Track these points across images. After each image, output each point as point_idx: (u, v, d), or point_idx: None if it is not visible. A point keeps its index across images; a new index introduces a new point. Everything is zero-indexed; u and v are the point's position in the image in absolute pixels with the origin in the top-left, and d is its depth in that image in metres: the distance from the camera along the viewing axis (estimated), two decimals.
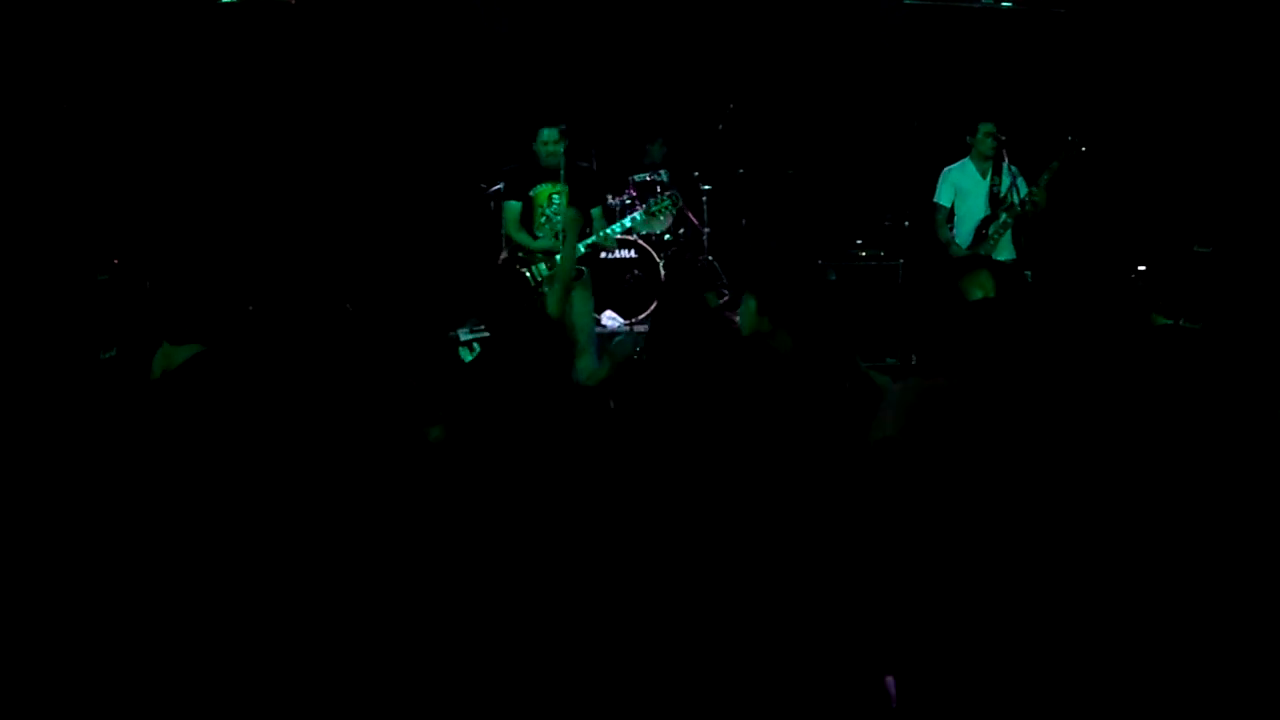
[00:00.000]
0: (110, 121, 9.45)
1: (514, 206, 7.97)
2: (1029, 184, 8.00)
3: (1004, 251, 8.08)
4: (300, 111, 9.98)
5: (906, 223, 9.62)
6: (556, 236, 7.72)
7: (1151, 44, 9.82)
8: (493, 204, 9.01)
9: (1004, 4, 10.25)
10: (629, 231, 9.05)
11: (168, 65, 9.63)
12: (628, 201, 9.77)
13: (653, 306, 9.42)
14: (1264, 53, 9.45)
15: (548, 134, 7.86)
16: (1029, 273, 8.53)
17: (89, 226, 8.90)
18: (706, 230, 9.92)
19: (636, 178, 9.91)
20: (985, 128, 8.00)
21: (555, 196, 7.95)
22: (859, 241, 10.09)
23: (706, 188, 9.93)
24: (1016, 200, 7.91)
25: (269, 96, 9.89)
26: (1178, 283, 6.93)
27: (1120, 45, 9.94)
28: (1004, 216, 7.94)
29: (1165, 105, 9.76)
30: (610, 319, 9.36)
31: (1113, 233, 9.57)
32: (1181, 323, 6.31)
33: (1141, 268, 8.78)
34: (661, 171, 9.93)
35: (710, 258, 9.90)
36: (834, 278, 10.01)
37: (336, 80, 10.03)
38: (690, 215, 9.98)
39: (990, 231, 7.97)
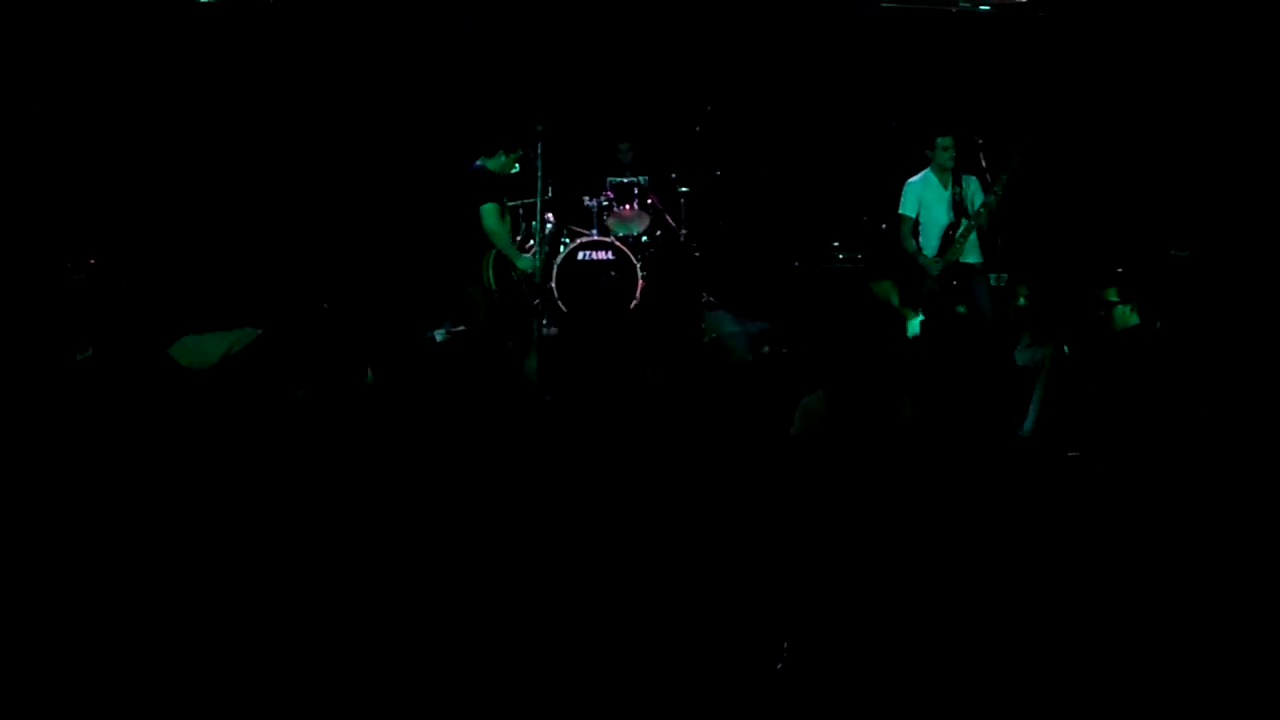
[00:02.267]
0: (86, 121, 9.38)
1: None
2: (988, 188, 8.11)
3: (970, 255, 8.18)
4: (277, 111, 9.93)
5: (884, 225, 9.66)
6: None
7: (1131, 49, 9.89)
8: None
9: (982, 7, 10.30)
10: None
11: (145, 65, 9.57)
12: (604, 203, 9.76)
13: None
14: (1245, 59, 9.53)
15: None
16: (1005, 275, 8.61)
17: (65, 227, 8.84)
18: (683, 232, 9.92)
19: (613, 180, 9.91)
20: (943, 141, 8.15)
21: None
22: (836, 243, 10.14)
23: (684, 189, 9.94)
24: (977, 205, 8.05)
25: (247, 96, 9.84)
26: (1155, 285, 6.99)
27: (1099, 50, 10.00)
28: (965, 223, 8.05)
29: (1145, 109, 9.83)
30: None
31: (1089, 236, 9.64)
32: (1158, 325, 6.38)
33: (1117, 270, 8.84)
34: (641, 177, 9.94)
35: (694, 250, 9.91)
36: (810, 277, 10.07)
37: (313, 80, 9.99)
38: (668, 217, 9.99)
39: (956, 236, 8.07)
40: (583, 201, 9.82)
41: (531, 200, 9.15)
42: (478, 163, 8.33)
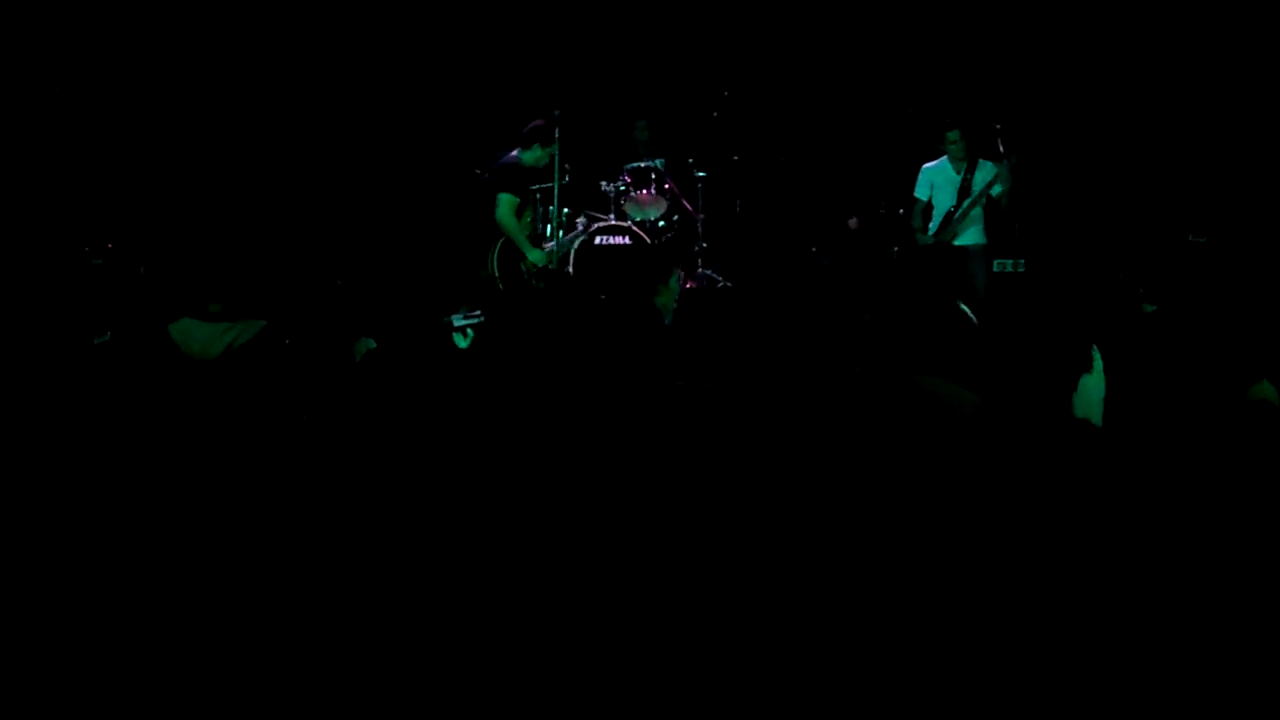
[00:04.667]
0: (103, 106, 9.42)
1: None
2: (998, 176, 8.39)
3: (970, 237, 8.45)
4: (292, 95, 9.95)
5: (901, 210, 9.66)
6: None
7: (1150, 31, 9.83)
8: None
9: None
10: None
11: (159, 50, 9.60)
12: (621, 188, 9.77)
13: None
14: (1260, 40, 9.47)
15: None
16: (1023, 261, 8.65)
17: (83, 211, 8.89)
18: (701, 217, 9.92)
19: (630, 165, 9.92)
20: (950, 136, 8.58)
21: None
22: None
23: (701, 175, 9.93)
24: (978, 190, 8.30)
25: (260, 80, 9.86)
26: (1172, 271, 6.97)
27: (1117, 34, 9.95)
28: (963, 205, 8.32)
29: (1162, 93, 9.78)
30: None
31: (1108, 222, 9.62)
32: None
33: (1133, 257, 8.85)
34: (658, 160, 9.93)
35: (705, 244, 9.90)
36: (828, 263, 10.05)
37: (327, 63, 10.00)
38: (685, 202, 9.98)
39: (955, 218, 8.33)
40: (600, 186, 9.83)
41: (549, 185, 9.19)
42: (513, 154, 8.39)
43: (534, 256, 8.50)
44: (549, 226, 9.22)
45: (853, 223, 9.57)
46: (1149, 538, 3.39)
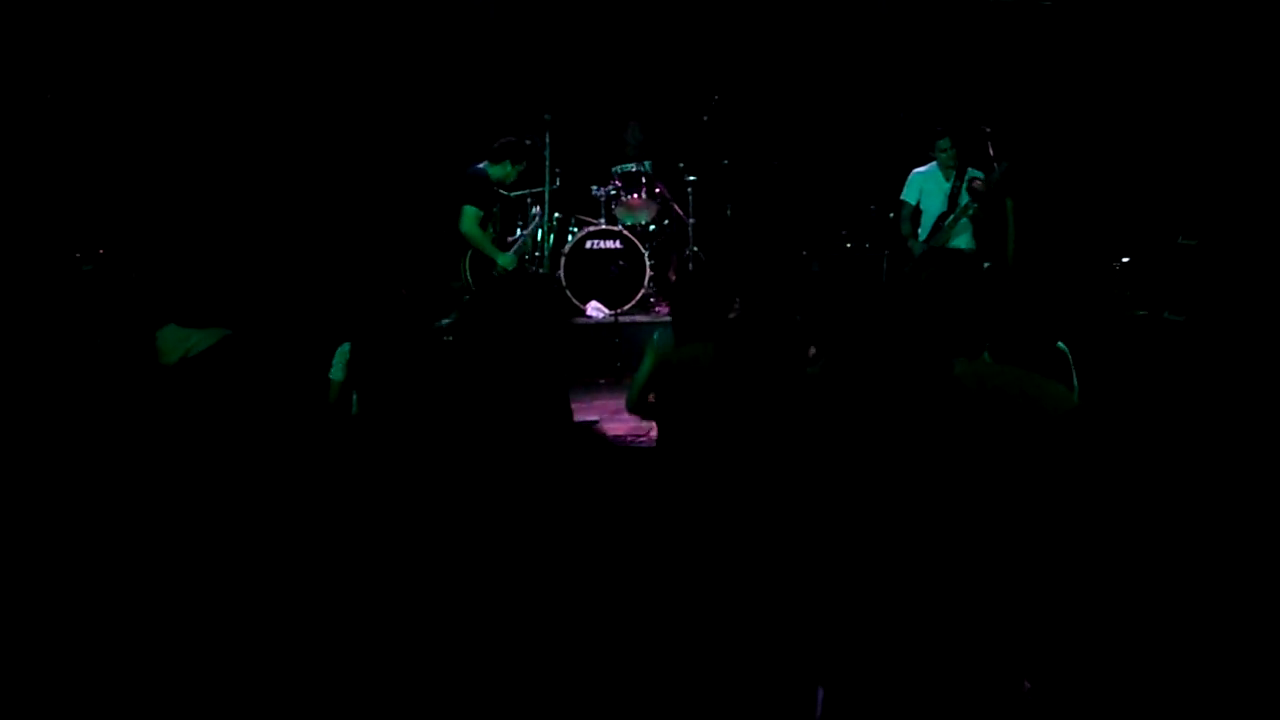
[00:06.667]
0: (94, 111, 9.40)
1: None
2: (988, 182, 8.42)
3: (960, 242, 8.56)
4: (283, 100, 9.93)
5: (891, 214, 9.69)
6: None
7: (1139, 36, 9.87)
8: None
9: None
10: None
11: (151, 53, 9.57)
12: (612, 192, 9.77)
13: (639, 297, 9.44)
14: (1253, 45, 9.50)
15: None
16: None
17: (75, 217, 8.86)
18: (691, 221, 9.92)
19: (618, 169, 9.92)
20: (941, 144, 8.53)
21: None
22: (844, 232, 10.14)
23: (692, 178, 9.93)
24: (967, 197, 8.35)
25: (253, 83, 9.84)
26: (1163, 274, 6.99)
27: (1107, 39, 9.98)
28: (956, 210, 8.36)
29: (1153, 97, 9.82)
30: (595, 310, 9.38)
31: (1098, 225, 9.65)
32: (1166, 314, 6.37)
33: (1124, 259, 8.88)
34: (646, 163, 9.94)
35: (696, 248, 9.90)
36: (818, 269, 10.06)
37: (319, 68, 9.98)
38: (675, 206, 9.98)
39: (946, 224, 8.33)
40: (590, 191, 9.83)
41: (538, 189, 9.19)
42: (480, 166, 8.37)
43: (504, 260, 8.53)
44: (539, 232, 9.23)
45: None
46: (1140, 545, 3.39)
